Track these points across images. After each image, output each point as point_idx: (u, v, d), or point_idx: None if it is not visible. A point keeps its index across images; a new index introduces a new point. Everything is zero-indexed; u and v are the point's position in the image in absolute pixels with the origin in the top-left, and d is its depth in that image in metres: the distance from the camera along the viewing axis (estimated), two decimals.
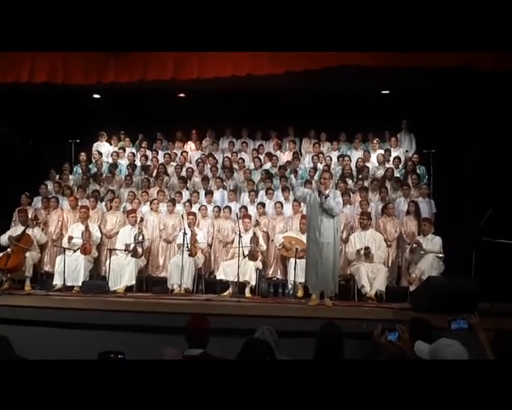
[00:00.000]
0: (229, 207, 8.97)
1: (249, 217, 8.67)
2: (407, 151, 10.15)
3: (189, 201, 9.16)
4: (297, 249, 8.06)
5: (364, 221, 8.23)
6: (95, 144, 11.20)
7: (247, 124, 11.04)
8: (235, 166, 10.26)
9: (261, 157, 10.35)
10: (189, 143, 11.27)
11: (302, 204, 8.78)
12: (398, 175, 9.45)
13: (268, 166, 10.06)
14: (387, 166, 9.68)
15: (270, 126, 10.96)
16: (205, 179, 9.75)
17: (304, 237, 8.27)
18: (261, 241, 8.53)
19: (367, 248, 7.88)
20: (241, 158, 10.42)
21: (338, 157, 9.95)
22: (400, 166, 9.68)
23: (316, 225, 6.97)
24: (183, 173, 10.13)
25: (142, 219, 8.83)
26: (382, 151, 10.06)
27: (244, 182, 9.65)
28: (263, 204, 8.95)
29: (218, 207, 9.10)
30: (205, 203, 9.26)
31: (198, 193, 9.37)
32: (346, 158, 9.72)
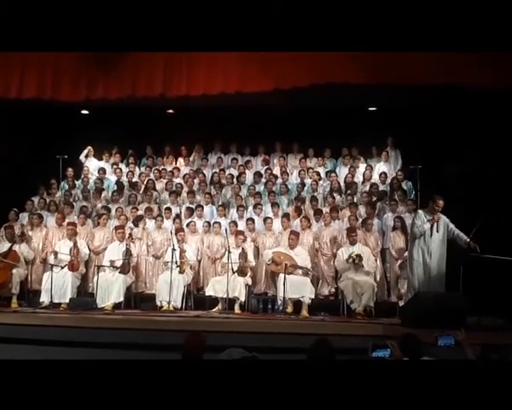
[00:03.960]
0: (219, 223, 8.95)
1: (242, 233, 8.61)
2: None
3: (178, 216, 9.08)
4: (286, 265, 7.99)
5: (355, 237, 8.23)
6: (82, 159, 11.08)
7: (235, 139, 11.05)
8: (224, 181, 10.26)
9: (248, 172, 10.37)
10: (179, 159, 11.25)
11: (292, 220, 8.79)
12: (384, 189, 9.58)
13: (251, 181, 10.15)
14: (372, 181, 9.77)
15: (258, 142, 11.01)
16: (191, 193, 9.69)
17: (293, 253, 8.21)
18: (250, 256, 8.48)
19: (358, 256, 7.86)
20: (229, 174, 10.44)
21: (326, 173, 10.03)
22: (387, 181, 9.73)
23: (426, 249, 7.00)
24: (173, 189, 10.10)
25: (130, 236, 8.77)
26: (367, 167, 10.16)
27: (233, 197, 9.63)
28: (252, 220, 8.95)
29: (207, 222, 9.06)
30: (194, 219, 9.21)
31: (192, 209, 9.32)
32: (333, 174, 9.79)
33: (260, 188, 9.80)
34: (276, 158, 10.80)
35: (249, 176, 10.32)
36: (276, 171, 10.37)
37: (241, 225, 8.98)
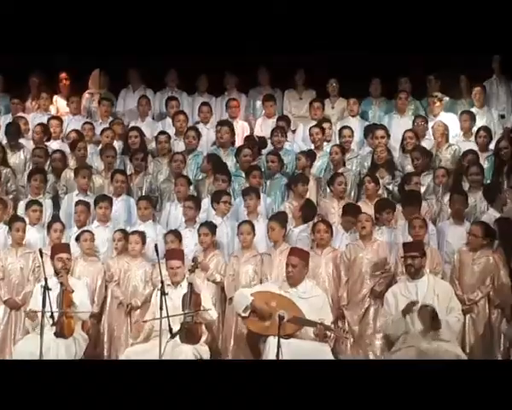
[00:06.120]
0: (140, 233, 5.04)
1: (180, 255, 4.80)
2: (503, 117, 6.46)
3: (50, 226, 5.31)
4: (281, 318, 4.48)
5: (416, 262, 4.55)
6: None
7: None
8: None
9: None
10: None
11: (290, 223, 5.21)
12: (485, 165, 5.72)
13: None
14: (469, 142, 5.97)
15: None
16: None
17: (295, 294, 4.78)
18: (206, 301, 4.70)
19: (427, 308, 4.44)
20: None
21: (365, 129, 6.20)
22: (491, 146, 5.90)
23: None
24: None
25: None
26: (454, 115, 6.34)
27: (169, 179, 5.65)
28: (210, 226, 5.00)
29: (122, 231, 5.11)
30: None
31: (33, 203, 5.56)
32: (380, 132, 5.89)
33: (230, 158, 5.87)
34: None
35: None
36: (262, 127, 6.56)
37: (190, 237, 5.12)
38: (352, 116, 6.47)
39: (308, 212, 5.08)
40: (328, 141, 6.16)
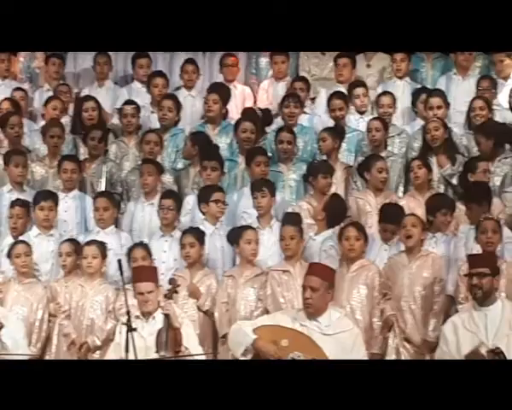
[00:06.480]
0: (98, 244, 3.79)
1: (152, 275, 3.46)
2: None
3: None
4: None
5: (485, 282, 3.46)
6: None
7: None
8: None
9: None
10: None
11: (308, 229, 3.93)
12: None
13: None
14: None
15: None
16: None
17: (316, 328, 3.60)
18: (189, 338, 3.61)
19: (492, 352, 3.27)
20: None
21: (414, 95, 4.73)
22: None
23: None
24: None
25: None
26: None
27: (139, 168, 4.28)
28: (198, 232, 3.76)
29: (73, 241, 3.91)
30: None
31: None
32: (436, 100, 4.45)
33: (222, 137, 4.55)
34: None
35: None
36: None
37: (167, 251, 3.89)
38: (399, 78, 5.02)
39: (335, 212, 3.75)
40: (362, 113, 4.71)
